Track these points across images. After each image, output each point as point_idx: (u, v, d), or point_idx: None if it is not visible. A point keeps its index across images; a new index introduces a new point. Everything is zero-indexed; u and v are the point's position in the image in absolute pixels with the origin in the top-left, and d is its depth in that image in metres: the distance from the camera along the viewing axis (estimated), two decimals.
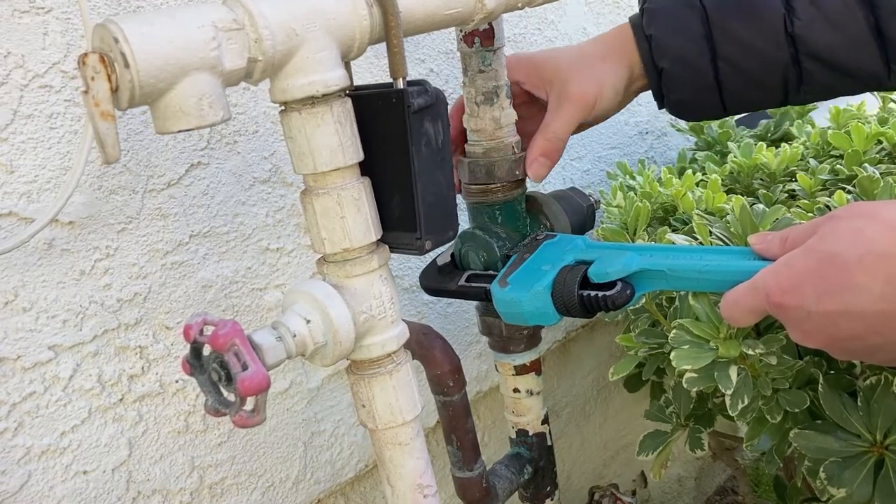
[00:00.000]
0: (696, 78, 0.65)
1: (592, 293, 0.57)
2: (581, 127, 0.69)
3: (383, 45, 0.50)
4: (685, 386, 0.68)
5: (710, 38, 0.63)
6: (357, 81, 0.52)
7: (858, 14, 0.60)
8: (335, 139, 0.48)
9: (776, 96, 0.66)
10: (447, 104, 0.52)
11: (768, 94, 0.66)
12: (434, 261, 0.68)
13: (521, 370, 0.77)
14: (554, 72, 0.66)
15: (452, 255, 0.69)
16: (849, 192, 0.80)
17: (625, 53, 0.67)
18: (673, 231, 0.83)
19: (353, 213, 0.50)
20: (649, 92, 0.70)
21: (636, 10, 0.69)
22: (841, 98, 0.79)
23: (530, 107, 0.70)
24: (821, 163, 0.93)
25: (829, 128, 1.05)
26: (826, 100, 0.70)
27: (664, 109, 0.70)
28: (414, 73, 0.88)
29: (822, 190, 0.88)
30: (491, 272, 0.65)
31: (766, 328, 0.68)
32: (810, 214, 0.75)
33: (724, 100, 0.66)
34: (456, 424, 0.71)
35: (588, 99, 0.65)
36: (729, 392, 0.65)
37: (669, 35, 0.64)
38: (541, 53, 0.69)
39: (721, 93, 0.65)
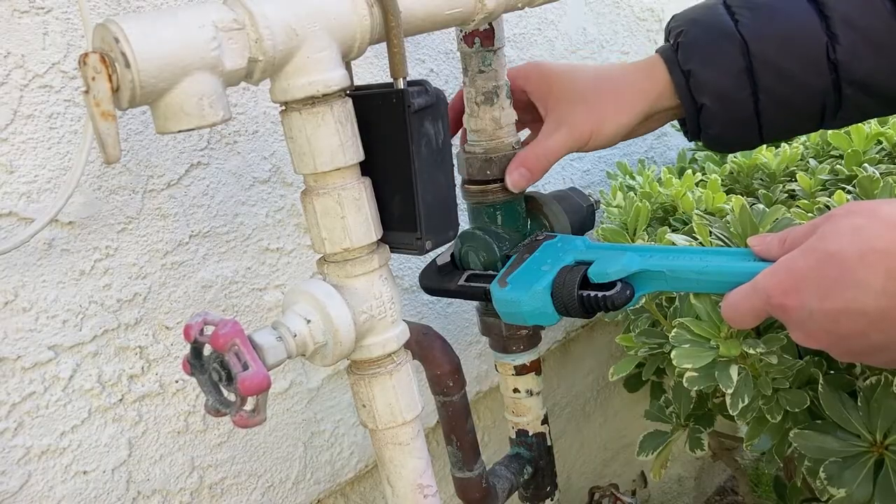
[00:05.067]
0: (736, 112, 0.63)
1: (592, 293, 0.57)
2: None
3: (383, 45, 0.50)
4: (686, 385, 0.68)
5: (750, 70, 0.61)
6: (357, 81, 0.52)
7: None
8: (336, 139, 0.48)
9: (812, 123, 0.65)
10: (447, 104, 0.52)
11: (805, 122, 0.65)
12: (434, 261, 0.68)
13: (521, 370, 0.77)
14: (563, 93, 0.65)
15: (452, 255, 0.69)
16: (849, 192, 0.80)
17: (648, 93, 0.65)
18: (673, 231, 0.83)
19: (353, 212, 0.50)
20: None
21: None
22: None
23: (533, 118, 0.69)
24: (821, 163, 0.93)
25: None
26: (858, 122, 0.69)
27: (694, 142, 0.69)
28: (414, 73, 0.88)
29: (821, 190, 0.88)
30: (491, 272, 0.65)
31: (766, 328, 0.68)
32: (810, 214, 0.75)
33: (762, 130, 0.64)
34: (456, 424, 0.71)
35: (583, 134, 0.64)
36: (729, 391, 0.65)
37: (709, 70, 0.62)
38: (557, 70, 0.67)
39: (760, 124, 0.64)
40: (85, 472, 0.67)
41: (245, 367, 0.44)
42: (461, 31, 0.64)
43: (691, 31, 0.63)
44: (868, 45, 0.59)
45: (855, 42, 0.59)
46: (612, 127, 0.65)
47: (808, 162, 0.97)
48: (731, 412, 0.66)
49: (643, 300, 0.80)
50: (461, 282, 0.66)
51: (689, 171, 0.96)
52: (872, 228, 0.45)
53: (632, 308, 0.84)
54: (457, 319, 0.98)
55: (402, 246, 0.54)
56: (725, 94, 0.63)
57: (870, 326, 0.45)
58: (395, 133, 0.50)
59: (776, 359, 0.66)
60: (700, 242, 0.75)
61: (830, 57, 0.60)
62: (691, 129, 0.67)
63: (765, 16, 0.62)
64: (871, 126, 0.95)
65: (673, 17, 0.67)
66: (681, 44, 0.64)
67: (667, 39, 0.67)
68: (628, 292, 0.57)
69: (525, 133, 0.73)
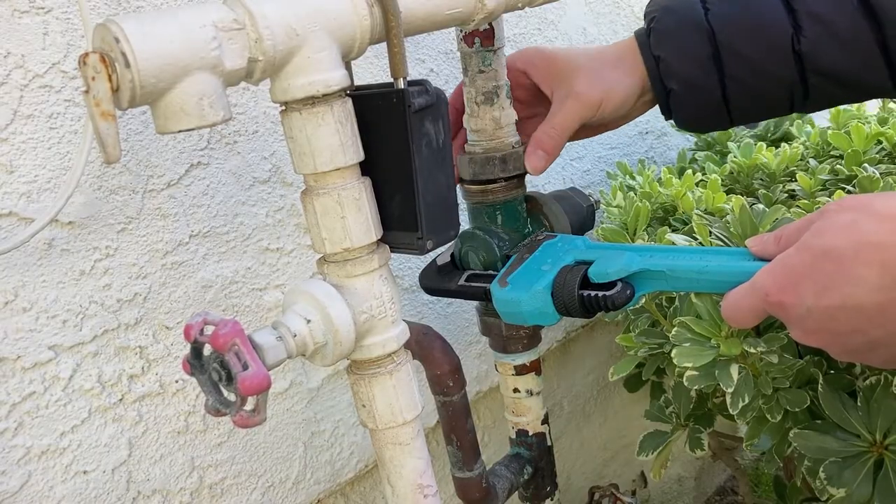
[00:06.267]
0: (704, 97, 0.65)
1: (592, 293, 0.57)
2: (587, 131, 0.69)
3: (383, 45, 0.50)
4: (686, 384, 0.68)
5: (717, 57, 0.63)
6: (357, 81, 0.52)
7: (865, 31, 0.60)
8: (336, 139, 0.48)
9: (782, 109, 0.67)
10: (448, 104, 0.52)
11: (774, 108, 0.67)
12: (434, 261, 0.68)
13: (521, 370, 0.77)
14: (565, 68, 0.66)
15: (452, 255, 0.69)
16: (849, 192, 0.80)
17: (637, 66, 0.67)
18: (673, 231, 0.83)
19: (353, 212, 0.50)
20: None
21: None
22: None
23: (534, 104, 0.70)
24: (821, 163, 0.93)
25: (828, 128, 1.05)
26: (829, 108, 0.71)
27: (671, 121, 0.70)
28: (414, 73, 0.88)
29: (821, 190, 0.88)
30: (491, 272, 0.65)
31: (766, 327, 0.69)
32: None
33: (731, 114, 0.66)
34: (456, 424, 0.71)
35: (593, 99, 0.65)
36: (730, 390, 0.66)
37: (677, 57, 0.64)
38: (555, 49, 0.69)
39: (728, 109, 0.66)
40: (85, 472, 0.67)
41: (245, 366, 0.44)
42: (461, 31, 0.64)
43: (663, 18, 0.65)
44: (832, 38, 0.61)
45: (819, 35, 0.61)
46: (618, 94, 0.66)
47: (808, 162, 0.97)
48: (731, 411, 0.66)
49: (643, 300, 0.80)
50: (461, 282, 0.66)
51: (689, 171, 0.96)
52: (866, 222, 0.45)
53: (632, 308, 0.84)
54: (457, 319, 0.98)
55: (403, 246, 0.54)
56: (692, 80, 0.64)
57: (867, 322, 0.45)
58: (396, 133, 0.50)
59: (776, 358, 0.66)
60: (700, 242, 0.75)
61: (795, 48, 0.61)
62: (664, 111, 0.69)
63: (734, 6, 0.63)
64: (871, 126, 0.95)
65: (650, 1, 0.68)
66: (652, 30, 0.66)
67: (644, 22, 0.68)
68: (628, 292, 0.57)
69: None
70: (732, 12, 0.63)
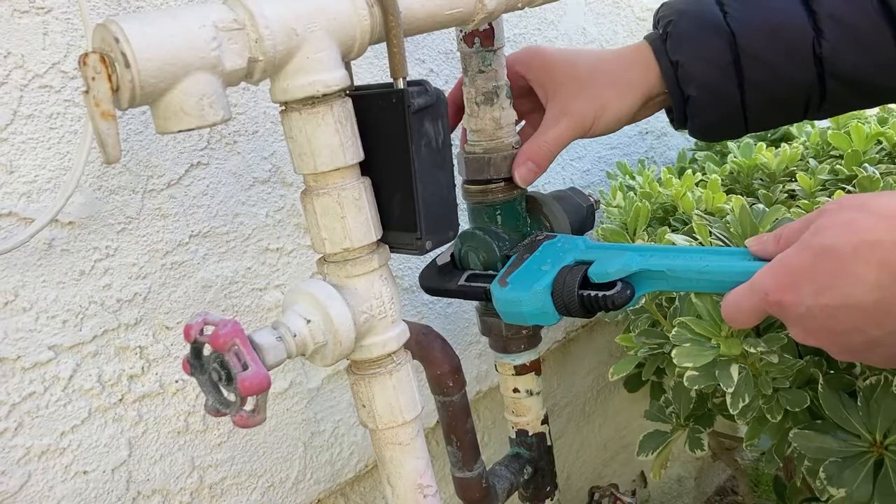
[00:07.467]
0: (723, 103, 0.64)
1: (592, 293, 0.57)
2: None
3: (383, 46, 0.50)
4: (686, 384, 0.68)
5: (737, 62, 0.62)
6: (357, 81, 0.52)
7: (887, 35, 0.59)
8: (336, 139, 0.48)
9: (796, 115, 0.66)
10: (447, 104, 0.52)
11: (789, 114, 0.66)
12: (434, 261, 0.68)
13: (520, 370, 0.77)
14: (563, 79, 0.65)
15: (452, 255, 0.69)
16: (849, 192, 0.80)
17: (643, 79, 0.65)
18: (673, 231, 0.83)
19: (353, 213, 0.50)
20: None
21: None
22: None
23: (532, 99, 0.69)
24: (820, 163, 0.93)
25: (828, 128, 1.05)
26: (841, 114, 0.69)
27: (681, 130, 0.69)
28: (414, 74, 0.88)
29: (821, 190, 0.88)
30: (491, 272, 0.65)
31: (767, 327, 0.69)
32: None
33: (747, 121, 0.65)
34: (456, 424, 0.71)
35: (586, 121, 0.65)
36: (730, 390, 0.66)
37: (697, 62, 0.63)
38: (555, 54, 0.68)
39: (745, 115, 0.65)
40: (85, 472, 0.67)
41: (245, 367, 0.44)
42: (461, 31, 0.64)
43: (680, 22, 0.64)
44: (853, 41, 0.60)
45: (840, 37, 0.60)
46: (614, 113, 0.65)
47: (808, 162, 0.97)
48: (731, 411, 0.66)
49: (643, 300, 0.80)
50: (461, 282, 0.66)
51: (689, 171, 0.96)
52: (865, 221, 0.45)
53: (632, 308, 0.84)
54: (457, 319, 0.98)
55: (402, 246, 0.54)
56: (713, 86, 0.63)
57: (866, 321, 0.45)
58: (395, 133, 0.50)
59: (776, 358, 0.66)
60: (700, 242, 0.75)
61: (816, 51, 0.61)
62: (678, 119, 0.67)
63: (753, 9, 0.62)
64: (871, 126, 0.95)
65: (662, 4, 0.67)
66: (669, 33, 0.64)
67: (655, 26, 0.67)
68: (628, 292, 0.57)
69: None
70: (752, 15, 0.62)
